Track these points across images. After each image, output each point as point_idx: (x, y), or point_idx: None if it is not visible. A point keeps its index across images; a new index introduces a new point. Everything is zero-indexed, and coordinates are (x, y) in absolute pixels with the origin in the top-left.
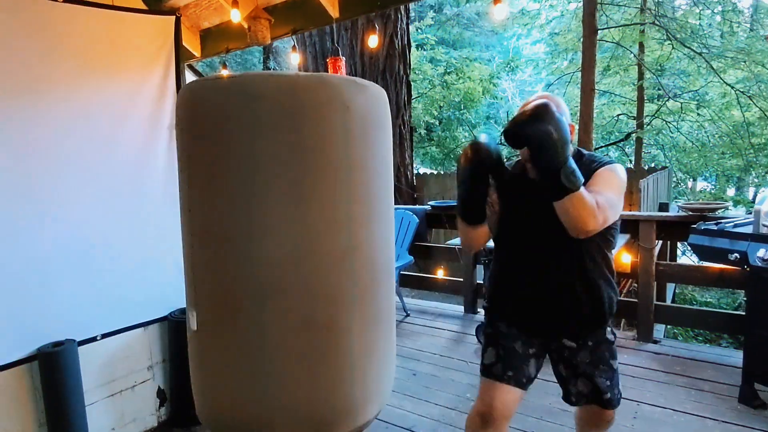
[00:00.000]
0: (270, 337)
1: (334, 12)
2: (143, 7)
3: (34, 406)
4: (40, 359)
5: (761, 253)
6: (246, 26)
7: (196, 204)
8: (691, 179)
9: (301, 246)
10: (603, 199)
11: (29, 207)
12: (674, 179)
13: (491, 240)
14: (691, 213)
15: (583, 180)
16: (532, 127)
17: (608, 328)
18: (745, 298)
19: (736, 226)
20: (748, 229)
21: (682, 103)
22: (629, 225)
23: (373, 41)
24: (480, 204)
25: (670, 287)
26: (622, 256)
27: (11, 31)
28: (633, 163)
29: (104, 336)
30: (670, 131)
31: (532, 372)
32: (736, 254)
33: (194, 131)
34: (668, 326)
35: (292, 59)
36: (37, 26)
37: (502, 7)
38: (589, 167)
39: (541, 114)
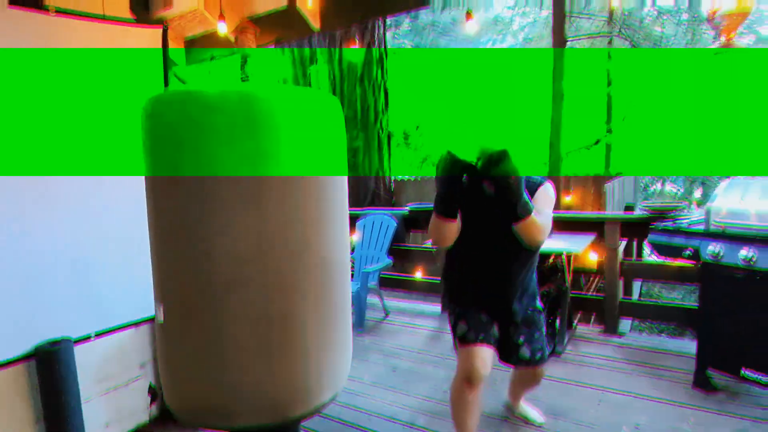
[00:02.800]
0: (230, 329)
1: (315, 23)
2: (132, 18)
3: (33, 402)
4: (38, 357)
5: (711, 248)
6: (233, 38)
7: (160, 207)
8: (662, 182)
9: (258, 244)
10: (545, 217)
11: (29, 212)
12: (645, 182)
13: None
14: (652, 213)
15: (533, 207)
16: (498, 170)
17: (538, 300)
18: None
19: (690, 224)
20: (702, 227)
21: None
22: (595, 225)
23: (353, 54)
24: (457, 199)
25: (637, 285)
26: (589, 255)
27: (18, 45)
28: (604, 167)
29: (98, 335)
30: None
31: (497, 334)
32: (690, 250)
33: (157, 141)
34: (635, 323)
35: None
36: (34, 38)
37: (473, 22)
38: (530, 185)
39: (502, 161)
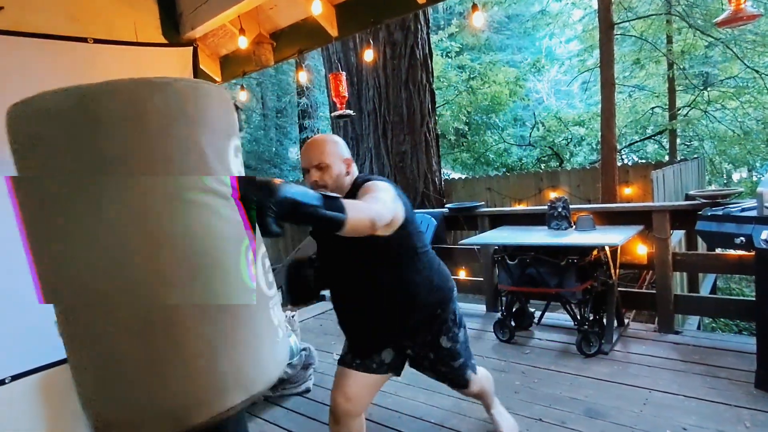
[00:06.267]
0: (105, 343)
1: (333, 31)
2: (164, 41)
3: (73, 400)
4: None
5: (765, 234)
6: (252, 51)
7: (24, 220)
8: (744, 169)
9: (111, 250)
10: (366, 203)
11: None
12: (720, 169)
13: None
14: (703, 201)
15: (339, 212)
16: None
17: (440, 311)
18: None
19: (743, 210)
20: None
21: (709, 91)
22: (641, 216)
23: (368, 55)
24: (307, 287)
25: (710, 279)
26: (638, 248)
27: (56, 72)
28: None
29: None
30: (710, 121)
31: (386, 358)
32: (742, 238)
33: (13, 153)
34: (704, 321)
35: (300, 78)
36: (76, 66)
37: (480, 15)
38: (357, 189)
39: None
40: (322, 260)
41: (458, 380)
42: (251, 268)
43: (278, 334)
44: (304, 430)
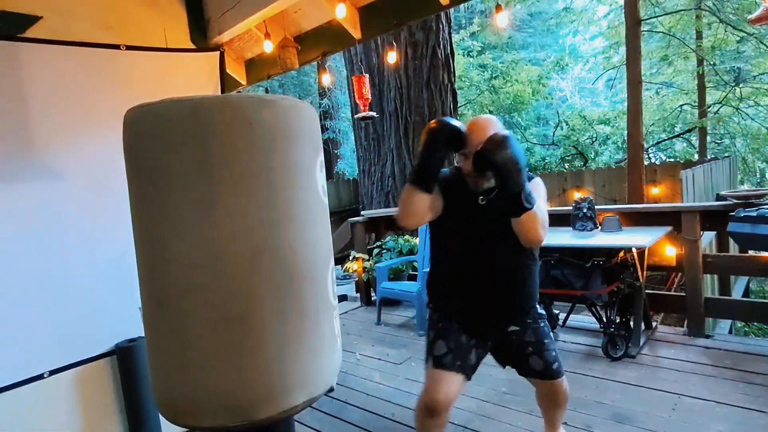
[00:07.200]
0: (190, 331)
1: (356, 34)
2: (191, 46)
3: (116, 393)
4: (118, 353)
5: None
6: (277, 54)
7: (132, 213)
8: None
9: (213, 248)
10: (542, 212)
11: (104, 222)
12: (754, 168)
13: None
14: (735, 201)
15: (536, 200)
16: (500, 154)
17: (538, 306)
18: None
19: None
20: None
21: (741, 88)
22: (670, 217)
23: (391, 57)
24: (435, 172)
25: (742, 282)
26: (666, 250)
27: (93, 78)
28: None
29: None
30: (742, 118)
31: (473, 361)
32: None
33: (127, 151)
34: (736, 325)
35: (323, 79)
36: (111, 73)
37: (504, 15)
38: None
39: (506, 143)
40: (454, 235)
41: (557, 362)
42: (334, 286)
43: (337, 343)
44: (327, 428)
